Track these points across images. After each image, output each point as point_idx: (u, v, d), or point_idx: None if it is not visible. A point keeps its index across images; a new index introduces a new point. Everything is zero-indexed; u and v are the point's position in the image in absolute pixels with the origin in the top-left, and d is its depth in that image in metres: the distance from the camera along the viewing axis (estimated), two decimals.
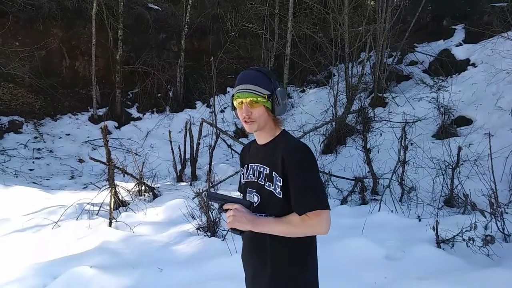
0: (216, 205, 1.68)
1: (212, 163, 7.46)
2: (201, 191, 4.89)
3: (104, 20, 10.69)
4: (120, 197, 5.64)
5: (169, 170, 7.83)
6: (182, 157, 7.58)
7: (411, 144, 6.00)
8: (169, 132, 7.79)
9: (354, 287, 3.07)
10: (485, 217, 3.79)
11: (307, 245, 1.55)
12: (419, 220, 4.45)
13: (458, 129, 7.29)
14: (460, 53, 9.43)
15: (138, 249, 4.07)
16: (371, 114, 7.99)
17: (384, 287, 3.06)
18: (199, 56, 12.11)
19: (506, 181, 5.17)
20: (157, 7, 12.59)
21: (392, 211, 4.90)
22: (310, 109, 10.03)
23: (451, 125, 7.37)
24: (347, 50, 8.89)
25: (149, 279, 3.33)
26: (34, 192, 6.07)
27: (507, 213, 3.87)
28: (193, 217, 4.74)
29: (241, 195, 1.77)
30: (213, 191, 2.05)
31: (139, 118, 11.11)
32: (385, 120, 7.94)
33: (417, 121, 7.48)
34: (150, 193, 6.25)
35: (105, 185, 5.39)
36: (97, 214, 5.15)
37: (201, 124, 7.59)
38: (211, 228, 4.32)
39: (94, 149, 9.43)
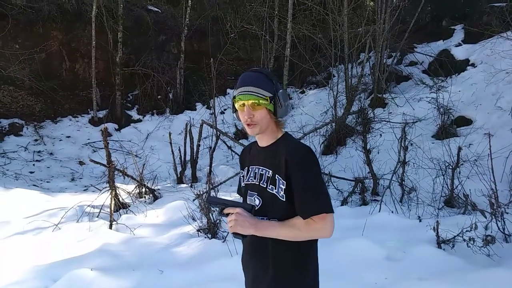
0: (217, 208, 1.64)
1: (213, 165, 7.46)
2: (201, 192, 4.89)
3: (103, 23, 10.71)
4: (120, 199, 5.65)
5: (169, 172, 7.83)
6: (183, 159, 7.58)
7: (411, 144, 5.99)
8: (169, 134, 7.80)
9: None
10: (485, 217, 3.79)
11: (309, 248, 1.54)
12: (420, 221, 4.44)
13: (458, 129, 7.29)
14: (459, 53, 9.44)
15: (139, 251, 4.07)
16: (371, 115, 8.00)
17: None
18: (198, 57, 12.12)
19: (506, 181, 5.17)
20: (157, 9, 12.62)
21: (392, 212, 4.90)
22: (310, 110, 10.04)
23: (451, 126, 7.37)
24: (347, 51, 8.90)
25: (149, 281, 3.33)
26: (34, 195, 6.08)
27: (507, 213, 3.86)
28: (194, 219, 4.75)
29: (241, 197, 1.76)
30: (213, 195, 2.04)
31: (139, 120, 11.12)
32: (385, 121, 7.94)
33: (417, 121, 7.48)
34: (151, 195, 6.25)
35: (106, 187, 5.39)
36: (97, 216, 5.16)
37: (201, 125, 7.59)
38: (211, 230, 4.32)
39: (95, 151, 9.44)
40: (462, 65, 9.08)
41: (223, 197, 1.73)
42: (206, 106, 11.46)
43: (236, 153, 8.53)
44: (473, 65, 8.94)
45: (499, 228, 3.75)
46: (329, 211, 1.44)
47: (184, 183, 7.35)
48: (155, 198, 6.20)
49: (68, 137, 9.86)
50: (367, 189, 5.87)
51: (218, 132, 7.83)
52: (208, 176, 5.18)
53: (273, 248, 1.52)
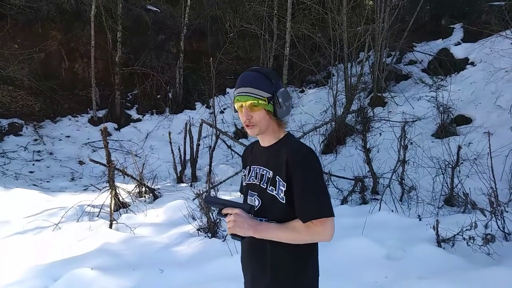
0: (215, 208, 1.61)
1: (212, 164, 7.46)
2: (201, 192, 4.89)
3: (103, 22, 10.70)
4: (120, 198, 5.65)
5: (169, 171, 7.83)
6: (182, 158, 7.58)
7: (411, 143, 6.00)
8: (169, 133, 7.80)
9: (354, 287, 3.07)
10: (485, 216, 3.79)
11: (308, 250, 1.52)
12: (420, 220, 4.45)
13: (458, 128, 7.29)
14: (458, 52, 9.44)
15: (139, 250, 4.07)
16: (370, 114, 8.00)
17: (385, 287, 3.06)
18: (198, 57, 12.11)
19: (506, 180, 5.17)
20: (156, 9, 12.60)
21: (392, 211, 4.90)
22: (309, 109, 10.04)
23: (450, 124, 7.38)
24: (346, 50, 8.90)
25: (150, 280, 3.33)
26: (34, 195, 6.08)
27: (507, 211, 3.87)
28: (194, 218, 4.75)
29: (242, 196, 1.75)
30: (211, 195, 2.01)
31: (138, 120, 11.11)
32: (384, 120, 7.95)
33: (416, 120, 7.48)
34: (151, 194, 6.25)
35: (106, 186, 5.39)
36: (97, 216, 5.16)
37: (201, 125, 7.59)
38: (211, 229, 4.32)
39: (94, 151, 9.43)
40: (462, 64, 9.09)
41: (223, 197, 1.72)
42: (205, 105, 11.46)
43: (236, 152, 8.53)
44: (472, 63, 8.95)
45: (499, 227, 3.75)
46: (330, 215, 1.42)
47: (184, 183, 7.35)
48: (155, 197, 6.20)
49: (68, 136, 9.85)
50: (367, 188, 5.87)
51: (218, 132, 7.83)
52: (208, 176, 5.18)
53: (271, 250, 1.50)
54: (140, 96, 11.33)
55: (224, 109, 11.29)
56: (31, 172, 8.07)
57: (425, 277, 3.11)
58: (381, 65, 9.44)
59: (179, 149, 7.52)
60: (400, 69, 10.19)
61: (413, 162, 5.83)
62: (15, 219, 4.92)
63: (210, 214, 4.31)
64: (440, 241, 3.67)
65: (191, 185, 7.00)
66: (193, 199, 5.50)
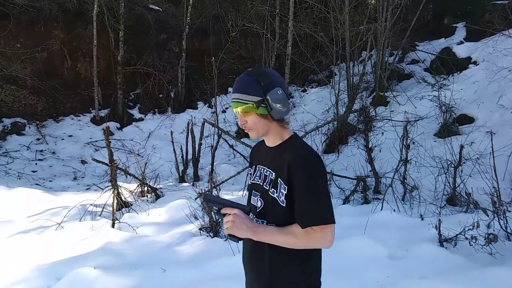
0: (215, 207, 1.60)
1: (214, 164, 7.48)
2: (203, 191, 4.90)
3: (105, 22, 10.71)
4: (122, 198, 5.66)
5: (171, 170, 7.84)
6: (184, 157, 7.59)
7: (413, 143, 5.99)
8: (171, 132, 7.81)
9: (356, 286, 3.08)
10: (487, 215, 3.79)
11: (308, 253, 1.49)
12: (422, 219, 4.45)
13: (460, 127, 7.27)
14: (461, 51, 9.41)
15: (141, 249, 4.08)
16: (372, 113, 7.98)
17: (387, 286, 3.06)
18: (200, 56, 12.11)
19: (508, 180, 5.16)
20: (158, 8, 12.61)
21: (394, 210, 4.90)
22: (311, 109, 10.04)
23: (453, 124, 7.35)
24: (348, 49, 8.88)
25: (152, 279, 3.34)
26: (37, 194, 6.10)
27: (509, 211, 3.87)
28: (196, 218, 4.76)
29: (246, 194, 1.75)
30: (211, 194, 2.01)
31: (141, 119, 11.13)
32: (386, 119, 7.93)
33: (418, 119, 7.46)
34: (153, 194, 6.26)
35: (108, 186, 5.40)
36: (100, 215, 5.17)
37: (203, 124, 7.60)
38: (213, 229, 4.33)
39: (97, 150, 9.45)
40: (464, 63, 9.05)
41: (224, 197, 1.71)
42: (207, 104, 11.47)
43: (238, 151, 8.53)
44: (475, 63, 8.92)
45: (501, 227, 3.75)
46: (330, 221, 1.39)
47: (186, 182, 7.36)
48: (157, 197, 6.21)
49: (70, 136, 9.88)
50: (369, 187, 5.87)
51: (220, 131, 7.84)
52: (210, 175, 5.19)
53: (270, 253, 1.49)
54: (142, 96, 11.35)
55: (226, 108, 11.29)
56: (33, 171, 8.10)
57: (427, 276, 3.11)
58: (383, 64, 9.42)
59: (181, 148, 7.53)
60: (403, 68, 10.17)
61: (415, 162, 5.82)
62: (18, 218, 4.95)
63: (212, 213, 4.32)
64: (442, 241, 3.67)
65: (193, 185, 7.01)
66: (195, 199, 5.51)
